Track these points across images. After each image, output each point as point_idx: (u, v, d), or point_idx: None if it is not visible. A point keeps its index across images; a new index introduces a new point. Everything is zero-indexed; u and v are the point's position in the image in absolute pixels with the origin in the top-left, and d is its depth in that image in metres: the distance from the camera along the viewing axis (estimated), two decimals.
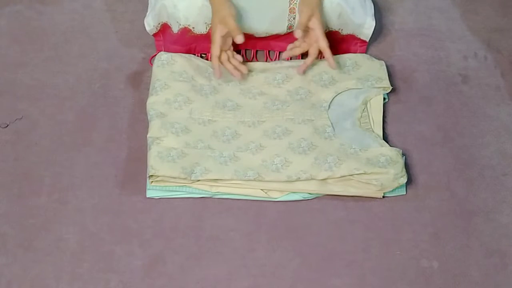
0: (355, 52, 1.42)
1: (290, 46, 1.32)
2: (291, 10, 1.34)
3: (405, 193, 1.24)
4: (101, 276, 1.12)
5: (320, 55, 1.42)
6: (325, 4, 1.32)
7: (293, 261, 1.15)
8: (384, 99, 1.36)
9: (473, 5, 1.59)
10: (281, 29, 1.36)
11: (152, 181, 1.20)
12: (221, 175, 1.19)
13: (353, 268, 1.15)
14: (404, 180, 1.20)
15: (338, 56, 1.40)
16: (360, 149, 1.23)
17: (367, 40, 1.41)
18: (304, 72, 1.35)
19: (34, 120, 1.32)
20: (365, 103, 1.33)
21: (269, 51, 1.44)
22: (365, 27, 1.38)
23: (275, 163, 1.22)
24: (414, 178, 1.26)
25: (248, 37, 1.38)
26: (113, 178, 1.23)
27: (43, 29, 1.48)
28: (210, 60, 1.30)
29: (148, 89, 1.33)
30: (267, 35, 1.37)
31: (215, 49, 1.27)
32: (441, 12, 1.57)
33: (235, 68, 1.31)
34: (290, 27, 1.36)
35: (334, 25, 1.36)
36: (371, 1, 1.40)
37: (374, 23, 1.38)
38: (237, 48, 1.42)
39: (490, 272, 1.15)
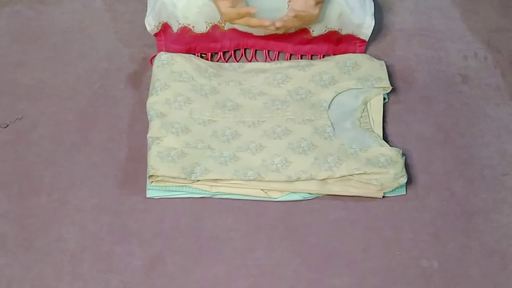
0: (354, 52, 1.42)
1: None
2: None
3: (405, 193, 1.24)
4: (101, 276, 1.12)
5: (320, 55, 1.43)
6: (325, 4, 1.32)
7: (293, 261, 1.15)
8: (384, 99, 1.36)
9: (473, 5, 1.59)
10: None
11: (152, 181, 1.20)
12: (221, 175, 1.19)
13: (353, 268, 1.15)
14: (404, 180, 1.20)
15: (338, 56, 1.40)
16: (360, 149, 1.23)
17: (366, 40, 1.41)
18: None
19: (34, 120, 1.32)
20: (365, 103, 1.33)
21: (268, 51, 1.44)
22: (364, 27, 1.38)
23: (275, 163, 1.22)
24: (414, 178, 1.26)
25: (248, 36, 1.39)
26: (113, 178, 1.23)
27: (43, 29, 1.48)
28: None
29: (148, 89, 1.33)
30: (266, 34, 1.37)
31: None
32: (441, 12, 1.57)
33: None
34: None
35: (334, 25, 1.36)
36: (371, 0, 1.40)
37: (373, 23, 1.38)
38: (236, 48, 1.42)
39: (490, 272, 1.15)
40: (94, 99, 1.35)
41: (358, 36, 1.40)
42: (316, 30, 1.37)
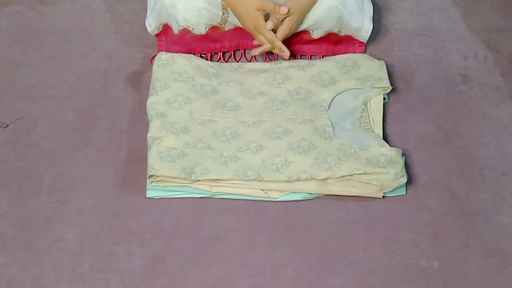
0: (354, 52, 1.42)
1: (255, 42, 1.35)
2: None
3: (405, 193, 1.24)
4: (101, 276, 1.12)
5: (320, 55, 1.43)
6: (323, 8, 1.33)
7: (293, 261, 1.15)
8: (384, 99, 1.36)
9: (473, 5, 1.59)
10: None
11: (152, 181, 1.20)
12: (221, 175, 1.19)
13: (353, 268, 1.15)
14: (404, 180, 1.20)
15: (338, 56, 1.40)
16: (360, 149, 1.23)
17: (365, 42, 1.41)
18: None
19: (34, 120, 1.32)
20: (365, 103, 1.33)
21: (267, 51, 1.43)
22: (363, 30, 1.38)
23: (275, 163, 1.22)
24: (414, 178, 1.26)
25: (247, 37, 1.39)
26: (113, 178, 1.23)
27: (43, 29, 1.48)
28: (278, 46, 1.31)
29: (148, 89, 1.33)
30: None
31: (270, 34, 1.29)
32: (441, 12, 1.57)
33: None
34: None
35: (333, 28, 1.37)
36: (370, 4, 1.40)
37: (371, 27, 1.38)
38: (236, 48, 1.42)
39: (490, 272, 1.15)
40: (94, 99, 1.35)
41: (356, 38, 1.40)
42: (316, 33, 1.37)
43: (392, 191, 1.22)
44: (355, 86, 1.34)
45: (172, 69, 1.34)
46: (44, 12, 1.52)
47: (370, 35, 1.40)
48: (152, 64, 1.39)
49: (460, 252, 1.17)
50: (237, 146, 1.24)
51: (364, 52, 1.44)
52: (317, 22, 1.34)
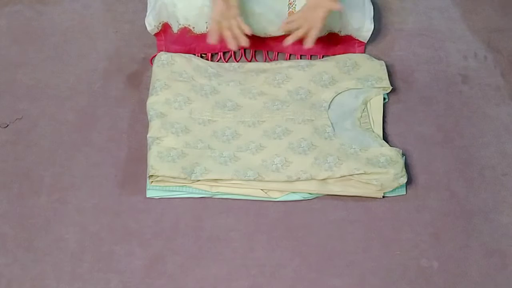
0: (353, 52, 1.42)
1: (287, 20, 1.30)
2: (290, 14, 1.34)
3: (405, 193, 1.24)
4: (101, 276, 1.12)
5: (320, 55, 1.43)
6: None
7: (293, 261, 1.15)
8: (384, 99, 1.36)
9: (473, 5, 1.59)
10: (280, 31, 1.36)
11: (152, 181, 1.20)
12: (221, 175, 1.19)
13: (353, 268, 1.15)
14: (404, 180, 1.21)
15: (338, 56, 1.40)
16: (360, 149, 1.23)
17: (365, 42, 1.42)
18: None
19: (34, 120, 1.32)
20: (365, 103, 1.33)
21: (268, 51, 1.43)
22: (364, 30, 1.39)
23: (275, 163, 1.22)
24: (414, 178, 1.26)
25: (247, 37, 1.39)
26: (113, 178, 1.23)
27: (43, 29, 1.48)
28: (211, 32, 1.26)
29: (148, 89, 1.33)
30: (266, 35, 1.38)
31: (215, 13, 1.24)
32: (441, 12, 1.57)
33: (234, 37, 1.26)
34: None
35: (334, 27, 1.37)
36: (370, 4, 1.40)
37: (372, 27, 1.38)
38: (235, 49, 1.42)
39: (490, 272, 1.15)
40: (94, 99, 1.35)
41: (357, 38, 1.40)
42: None
43: (392, 191, 1.22)
44: (355, 86, 1.34)
45: (172, 69, 1.34)
46: (44, 12, 1.52)
47: (370, 35, 1.40)
48: (152, 64, 1.39)
49: (460, 252, 1.17)
50: (237, 146, 1.24)
51: (364, 52, 1.44)
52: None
